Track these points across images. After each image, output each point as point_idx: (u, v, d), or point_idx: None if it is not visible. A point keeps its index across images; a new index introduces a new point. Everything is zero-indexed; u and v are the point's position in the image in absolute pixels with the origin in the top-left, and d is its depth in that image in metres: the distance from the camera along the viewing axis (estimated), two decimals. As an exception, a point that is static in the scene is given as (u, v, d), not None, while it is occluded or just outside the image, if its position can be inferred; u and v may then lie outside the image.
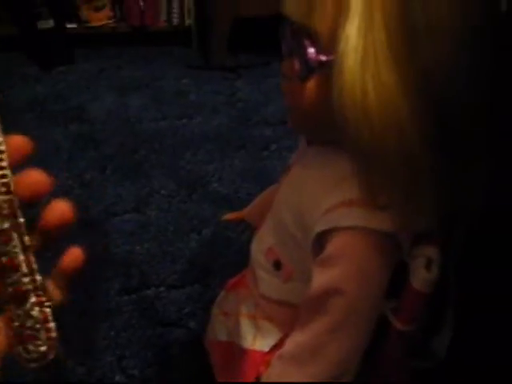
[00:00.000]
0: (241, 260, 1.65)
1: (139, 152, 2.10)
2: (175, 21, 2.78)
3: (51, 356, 0.33)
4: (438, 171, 0.56)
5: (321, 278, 0.64)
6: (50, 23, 2.46)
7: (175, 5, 2.75)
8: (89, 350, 1.41)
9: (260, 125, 2.32)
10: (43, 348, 0.32)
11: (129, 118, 2.31)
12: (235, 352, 0.86)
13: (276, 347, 0.77)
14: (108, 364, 1.38)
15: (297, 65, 0.62)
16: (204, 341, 1.00)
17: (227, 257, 1.66)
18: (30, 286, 0.33)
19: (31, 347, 0.33)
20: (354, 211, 0.61)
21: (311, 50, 0.59)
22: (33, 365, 0.33)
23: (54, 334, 0.33)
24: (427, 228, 0.62)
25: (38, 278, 0.34)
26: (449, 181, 0.58)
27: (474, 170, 0.59)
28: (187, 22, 2.77)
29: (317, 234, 0.63)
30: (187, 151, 2.12)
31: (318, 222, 0.64)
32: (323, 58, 0.58)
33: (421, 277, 0.63)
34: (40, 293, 0.34)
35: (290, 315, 0.75)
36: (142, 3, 2.70)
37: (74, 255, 0.38)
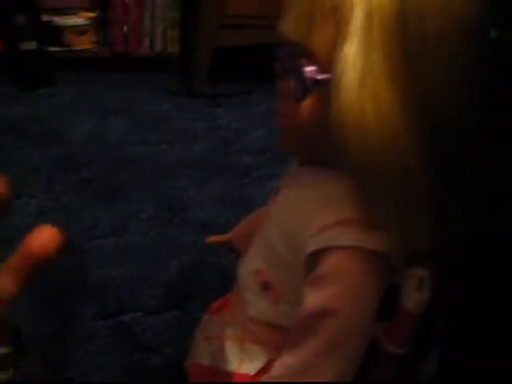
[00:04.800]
0: (221, 286, 1.66)
1: (119, 176, 2.08)
2: (158, 48, 2.79)
3: None
4: (435, 191, 0.56)
5: (313, 298, 0.63)
6: (33, 45, 2.46)
7: (158, 32, 2.77)
8: (62, 377, 1.36)
9: (241, 152, 2.32)
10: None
11: (109, 141, 2.30)
12: (218, 376, 0.84)
13: (263, 370, 0.75)
14: (82, 391, 1.34)
15: (293, 84, 0.62)
16: (184, 365, 0.97)
17: (207, 283, 1.64)
18: None
19: None
20: (349, 231, 0.60)
21: (308, 69, 0.59)
22: None
23: None
24: (422, 249, 0.62)
25: None
26: (445, 201, 0.58)
27: (470, 191, 0.60)
28: (170, 49, 2.79)
29: (310, 253, 0.63)
30: (167, 176, 2.11)
31: (310, 242, 0.63)
32: (320, 76, 0.58)
33: (413, 298, 0.63)
34: None
35: (278, 338, 0.74)
36: (125, 29, 2.71)
37: (44, 237, 0.28)
